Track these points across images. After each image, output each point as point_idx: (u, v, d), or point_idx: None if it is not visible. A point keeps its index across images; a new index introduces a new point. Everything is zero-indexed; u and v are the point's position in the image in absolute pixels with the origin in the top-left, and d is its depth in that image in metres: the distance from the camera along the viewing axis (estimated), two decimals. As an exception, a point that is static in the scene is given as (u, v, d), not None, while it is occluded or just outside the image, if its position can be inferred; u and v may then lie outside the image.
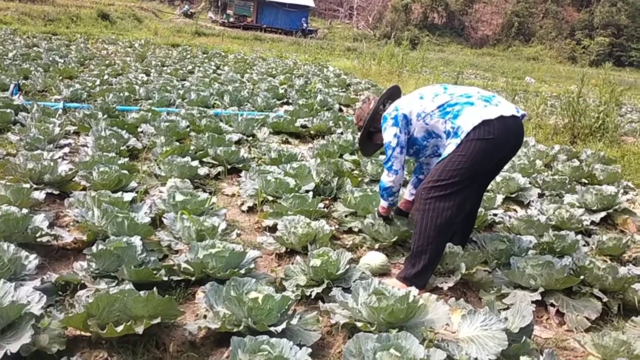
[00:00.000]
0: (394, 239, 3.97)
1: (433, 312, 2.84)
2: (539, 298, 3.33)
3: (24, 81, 9.12)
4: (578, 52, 54.12)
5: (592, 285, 3.45)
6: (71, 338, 2.54)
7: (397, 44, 19.80)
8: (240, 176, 5.22)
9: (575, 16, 60.66)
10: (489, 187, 5.24)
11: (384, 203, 3.98)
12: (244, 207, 4.63)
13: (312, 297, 3.15)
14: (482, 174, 3.46)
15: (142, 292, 2.50)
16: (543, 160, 6.95)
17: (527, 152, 7.17)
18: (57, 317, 2.49)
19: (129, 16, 35.13)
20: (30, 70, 10.02)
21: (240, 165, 5.59)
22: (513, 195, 5.39)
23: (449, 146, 3.36)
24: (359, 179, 5.38)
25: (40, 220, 3.46)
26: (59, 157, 4.95)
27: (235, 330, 2.60)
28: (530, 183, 5.70)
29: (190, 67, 14.32)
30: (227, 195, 4.99)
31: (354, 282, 3.11)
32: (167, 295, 2.59)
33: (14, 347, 2.19)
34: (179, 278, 3.18)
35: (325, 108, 9.47)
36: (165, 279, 3.08)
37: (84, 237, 3.55)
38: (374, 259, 3.67)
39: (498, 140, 3.28)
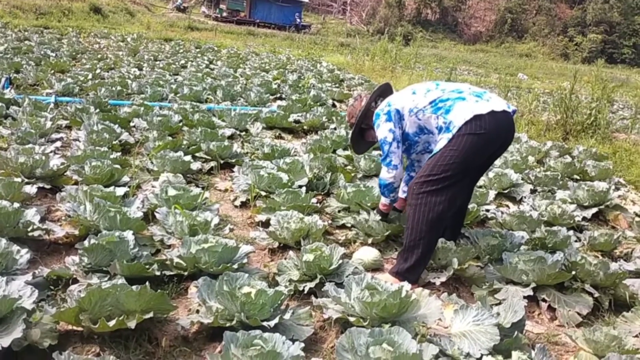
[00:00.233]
0: (387, 234, 3.97)
1: (425, 307, 2.85)
2: (531, 293, 3.35)
3: (15, 75, 9.05)
4: (571, 49, 54.23)
5: (584, 281, 3.47)
6: (63, 333, 2.54)
7: (391, 40, 19.77)
8: (233, 171, 5.20)
9: (568, 13, 60.79)
10: (482, 182, 5.28)
11: (385, 200, 3.98)
12: (237, 202, 4.62)
13: (305, 292, 3.16)
14: (474, 168, 3.47)
15: (134, 287, 2.49)
16: (535, 156, 6.98)
17: (520, 148, 7.19)
18: (48, 312, 2.48)
19: (121, 10, 34.89)
20: (21, 64, 9.94)
21: (233, 160, 5.58)
22: (505, 191, 5.41)
23: (441, 141, 3.37)
24: (352, 174, 5.38)
25: (31, 214, 3.44)
26: (51, 151, 4.93)
27: (228, 325, 2.60)
28: (522, 179, 5.72)
29: (183, 62, 14.25)
30: (220, 190, 4.97)
31: (346, 277, 3.11)
32: (159, 290, 2.58)
33: (5, 342, 2.18)
34: (172, 273, 3.17)
35: (318, 103, 9.45)
36: (158, 273, 3.08)
37: (76, 232, 3.54)
38: (367, 254, 3.68)
39: (489, 135, 3.29)
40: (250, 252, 3.43)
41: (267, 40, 31.14)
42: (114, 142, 5.51)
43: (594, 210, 5.06)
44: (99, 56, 13.28)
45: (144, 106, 7.25)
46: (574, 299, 3.38)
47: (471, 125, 3.26)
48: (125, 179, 4.60)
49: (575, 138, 8.71)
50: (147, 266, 3.01)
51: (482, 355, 2.50)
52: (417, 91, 3.61)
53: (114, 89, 8.37)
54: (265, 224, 4.11)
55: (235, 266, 3.17)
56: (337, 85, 12.85)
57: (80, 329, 2.53)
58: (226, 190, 4.95)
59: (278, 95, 10.66)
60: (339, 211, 4.54)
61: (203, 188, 4.63)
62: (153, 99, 8.37)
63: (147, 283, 2.54)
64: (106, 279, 2.95)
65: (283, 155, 5.54)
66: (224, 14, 44.66)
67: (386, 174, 3.73)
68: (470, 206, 4.27)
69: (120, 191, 4.03)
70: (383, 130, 3.64)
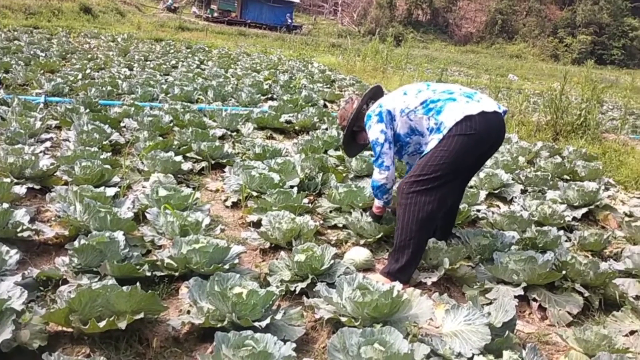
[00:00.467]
0: (379, 235, 3.97)
1: (417, 307, 2.85)
2: (522, 293, 3.36)
3: (4, 75, 8.99)
4: (560, 50, 54.49)
5: (574, 280, 3.49)
6: (53, 334, 2.52)
7: (382, 41, 19.79)
8: (224, 171, 5.19)
9: (557, 14, 61.09)
10: (473, 182, 5.29)
11: (378, 202, 3.97)
12: (228, 203, 4.61)
13: (297, 292, 3.15)
14: (464, 168, 3.48)
15: (125, 288, 2.48)
16: (526, 156, 7.01)
17: (510, 148, 7.22)
18: (38, 313, 2.47)
19: (111, 10, 34.73)
20: (10, 64, 9.87)
21: (224, 161, 5.56)
22: (496, 191, 5.43)
23: (432, 142, 3.38)
24: (344, 174, 5.38)
25: (21, 215, 3.42)
26: (41, 152, 4.90)
27: (219, 325, 2.59)
28: (513, 179, 5.75)
29: (173, 62, 14.20)
30: (211, 190, 4.96)
31: (338, 277, 3.10)
32: (150, 291, 2.57)
33: (-6, 343, 2.16)
34: (163, 273, 3.16)
35: (309, 104, 9.44)
36: (149, 274, 3.07)
37: (66, 232, 3.52)
38: (359, 254, 3.68)
39: (479, 136, 3.30)
40: (241, 252, 3.43)
41: (258, 41, 31.11)
42: (104, 143, 5.48)
43: (584, 210, 5.08)
44: (89, 56, 13.20)
45: (134, 106, 7.22)
46: (565, 298, 3.39)
47: (462, 126, 3.27)
48: (116, 179, 4.58)
49: (565, 138, 8.75)
50: (137, 267, 3.00)
51: (473, 354, 2.51)
52: (409, 92, 3.62)
53: (104, 89, 8.33)
54: (257, 225, 4.10)
55: (227, 267, 3.16)
56: (328, 85, 12.85)
57: (70, 330, 2.51)
58: (217, 190, 4.94)
59: (269, 95, 10.65)
60: (330, 211, 4.54)
61: (194, 188, 4.61)
62: (144, 99, 8.33)
63: (137, 284, 2.53)
64: (96, 279, 2.94)
65: (274, 156, 5.53)
66: (215, 14, 44.57)
67: (378, 175, 3.73)
68: (461, 206, 4.28)
69: (110, 191, 4.01)
70: (374, 131, 3.64)
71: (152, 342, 2.56)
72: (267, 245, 3.82)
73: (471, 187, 5.18)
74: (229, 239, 3.78)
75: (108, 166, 4.52)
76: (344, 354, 2.38)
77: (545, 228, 4.23)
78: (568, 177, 6.28)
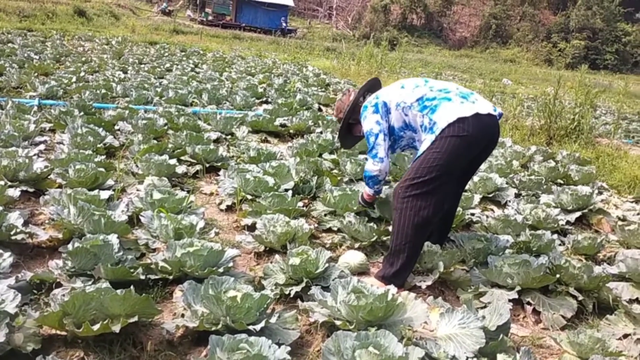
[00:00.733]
0: (373, 239, 3.98)
1: (412, 310, 2.85)
2: (516, 296, 3.36)
3: (-2, 77, 8.97)
4: (554, 54, 54.77)
5: (568, 284, 3.50)
6: (46, 337, 2.51)
7: (376, 45, 19.81)
8: (218, 175, 5.19)
9: (551, 19, 61.42)
10: (467, 186, 5.29)
11: (369, 191, 3.99)
12: (223, 206, 4.60)
13: (291, 295, 3.15)
14: (458, 170, 3.47)
15: (119, 291, 2.48)
16: (520, 160, 7.03)
17: (504, 152, 7.24)
18: (32, 316, 2.46)
19: (105, 13, 34.69)
20: (4, 67, 9.84)
21: (219, 164, 5.56)
22: (490, 195, 5.44)
23: (424, 142, 3.38)
24: (338, 178, 5.38)
25: (14, 217, 3.41)
26: (35, 155, 4.88)
27: (213, 329, 2.58)
28: (507, 183, 5.76)
29: (168, 65, 14.19)
30: (205, 193, 4.95)
31: (333, 280, 3.10)
32: (144, 294, 2.56)
33: (-13, 347, 2.15)
34: (157, 277, 3.14)
35: (304, 107, 9.45)
36: (143, 277, 3.05)
37: (60, 235, 3.51)
38: (353, 257, 3.68)
39: (472, 137, 3.29)
40: (236, 255, 3.42)
41: (253, 44, 31.11)
42: (99, 146, 5.47)
43: (578, 214, 5.10)
44: (83, 59, 13.18)
45: (128, 109, 7.21)
46: (559, 302, 3.40)
47: (454, 127, 3.27)
48: (110, 182, 4.57)
49: (559, 143, 8.78)
50: (131, 270, 2.99)
51: (467, 358, 2.51)
52: (406, 86, 3.62)
53: (98, 92, 8.31)
54: (251, 228, 4.10)
55: (221, 270, 3.16)
56: (323, 89, 12.86)
57: (64, 333, 2.50)
58: (212, 193, 4.93)
59: (264, 99, 10.65)
60: (325, 215, 4.54)
61: (188, 192, 4.61)
62: (138, 102, 8.32)
63: (131, 287, 2.52)
64: (90, 282, 2.93)
65: (269, 159, 5.53)
66: (210, 18, 44.59)
67: (372, 166, 3.73)
68: (455, 210, 4.29)
69: (104, 195, 4.00)
70: (370, 122, 3.64)
71: (147, 346, 2.55)
72: (262, 248, 3.82)
73: (465, 190, 5.17)
74: (223, 243, 3.78)
75: (102, 169, 4.51)
76: (339, 358, 2.37)
77: (539, 232, 4.25)
78: (562, 181, 6.31)
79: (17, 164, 4.25)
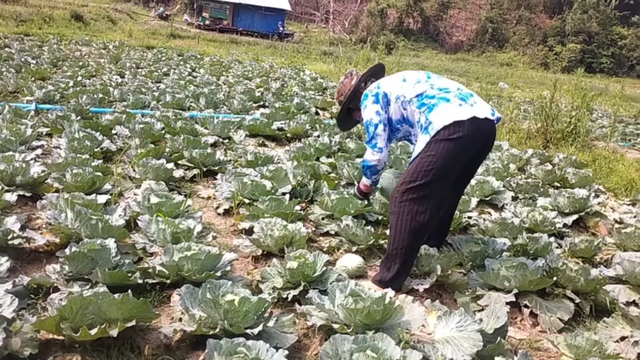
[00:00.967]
0: (371, 242, 3.98)
1: (409, 313, 2.86)
2: (513, 299, 3.37)
3: (-5, 82, 8.96)
4: (550, 58, 54.90)
5: (565, 287, 3.51)
6: (44, 341, 2.50)
7: (373, 49, 19.89)
8: (216, 179, 5.18)
9: (547, 23, 61.58)
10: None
11: (366, 181, 4.00)
12: (220, 210, 4.60)
13: (289, 299, 3.15)
14: (454, 174, 3.46)
15: (116, 295, 2.47)
16: (517, 164, 7.05)
17: (501, 156, 7.26)
18: (29, 321, 2.45)
19: (103, 18, 34.71)
20: (1, 71, 9.84)
21: (216, 168, 5.56)
22: (487, 199, 5.45)
23: (419, 143, 3.38)
24: (336, 181, 5.39)
25: (11, 222, 3.40)
26: (31, 159, 4.87)
27: (211, 332, 2.58)
28: (504, 186, 5.77)
29: (165, 70, 14.19)
30: (202, 197, 4.95)
31: (330, 284, 3.10)
32: (142, 298, 2.56)
33: (-16, 351, 2.15)
34: (154, 281, 3.14)
35: (301, 111, 9.46)
36: (140, 281, 3.05)
37: (57, 240, 3.50)
38: (351, 261, 3.68)
39: (466, 141, 3.29)
40: (233, 259, 3.42)
41: (250, 49, 31.12)
42: (96, 150, 5.46)
43: (575, 217, 5.11)
44: (81, 63, 13.17)
45: (126, 114, 7.20)
46: (556, 304, 3.41)
47: (449, 130, 3.25)
48: (107, 186, 4.57)
49: (556, 146, 8.81)
50: (129, 274, 2.99)
51: (465, 361, 2.51)
52: (408, 79, 3.61)
53: (95, 96, 8.30)
54: (249, 232, 4.10)
55: (219, 274, 3.16)
56: (320, 93, 12.87)
57: (61, 337, 2.50)
58: (209, 197, 4.93)
59: (261, 103, 10.65)
60: (322, 218, 4.55)
61: (186, 196, 4.60)
62: (135, 107, 8.32)
63: (129, 291, 2.52)
64: (88, 287, 2.93)
65: (266, 163, 5.54)
66: (207, 22, 44.63)
67: (371, 156, 3.73)
68: (452, 213, 4.29)
69: (102, 199, 4.00)
70: (369, 111, 3.64)
71: (144, 350, 2.55)
72: (259, 252, 3.82)
73: (462, 194, 5.19)
74: (220, 247, 3.78)
75: (99, 173, 4.50)
76: (337, 361, 2.38)
77: (536, 235, 4.26)
78: (558, 184, 6.32)
79: (14, 169, 4.25)
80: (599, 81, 35.37)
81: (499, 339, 2.64)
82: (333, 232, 4.29)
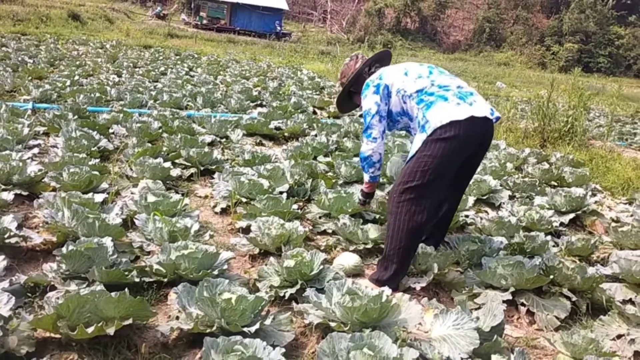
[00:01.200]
0: (368, 242, 3.98)
1: (406, 311, 2.86)
2: (510, 298, 3.37)
3: (-9, 81, 8.94)
4: (548, 58, 54.98)
5: (562, 285, 3.52)
6: (40, 340, 2.50)
7: (371, 48, 19.89)
8: (213, 178, 5.18)
9: (544, 23, 61.69)
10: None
11: (365, 177, 3.97)
12: (217, 209, 4.60)
13: (286, 297, 3.15)
14: (451, 173, 3.46)
15: (113, 294, 2.47)
16: (514, 163, 7.05)
17: (498, 155, 7.27)
18: (26, 319, 2.45)
19: (100, 17, 34.67)
20: (-2, 70, 9.83)
21: (214, 167, 5.55)
22: (484, 197, 5.45)
23: (415, 141, 3.39)
24: (333, 180, 5.38)
25: (8, 221, 3.39)
26: (28, 158, 4.86)
27: (208, 331, 2.59)
28: (501, 185, 5.78)
29: (162, 69, 14.17)
30: (200, 196, 4.95)
31: (327, 282, 3.11)
32: (139, 297, 2.56)
33: (-19, 350, 2.15)
34: (151, 279, 3.14)
35: (299, 110, 9.46)
36: (137, 280, 3.05)
37: (54, 239, 3.50)
38: (348, 260, 3.68)
39: (462, 141, 3.28)
40: (230, 258, 3.42)
41: (247, 48, 31.10)
42: (93, 149, 5.46)
43: (572, 215, 5.12)
44: (78, 63, 13.14)
45: (123, 113, 7.20)
46: (552, 303, 3.41)
47: (446, 129, 3.25)
48: (104, 185, 4.57)
49: (553, 145, 8.82)
50: (126, 273, 2.99)
51: (462, 359, 2.52)
52: (409, 73, 3.60)
53: (92, 95, 8.29)
54: (246, 230, 4.10)
55: (216, 272, 3.16)
56: (317, 92, 12.88)
57: (58, 336, 2.50)
58: (206, 196, 4.93)
59: (259, 102, 10.65)
60: (319, 217, 4.55)
61: (183, 194, 4.61)
62: (132, 106, 8.32)
63: (126, 290, 2.52)
64: (85, 285, 2.93)
65: (264, 162, 5.54)
66: (204, 22, 44.59)
67: (365, 146, 3.75)
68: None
69: (99, 198, 4.00)
70: (369, 101, 3.65)
71: (141, 348, 2.55)
72: (257, 251, 3.82)
73: (460, 193, 5.21)
74: (218, 245, 3.78)
75: (96, 172, 4.50)
76: (333, 359, 2.38)
77: (533, 233, 4.27)
78: (555, 183, 6.33)
79: (11, 168, 4.24)
80: (596, 81, 35.41)
81: (495, 337, 2.65)
82: (330, 231, 4.30)
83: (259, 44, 35.04)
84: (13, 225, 3.38)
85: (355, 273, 3.65)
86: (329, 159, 6.09)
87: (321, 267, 3.35)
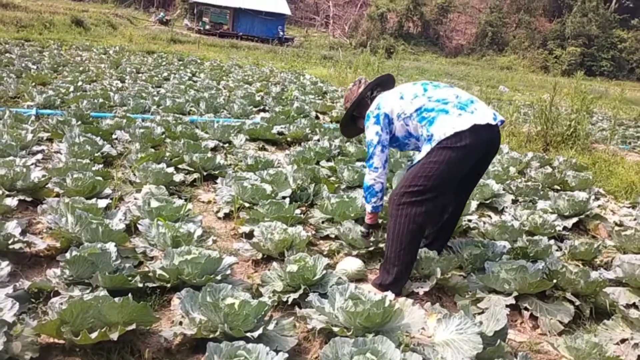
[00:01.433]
0: (371, 248, 3.98)
1: (409, 316, 2.86)
2: (513, 302, 3.37)
3: (-5, 87, 8.98)
4: (550, 61, 54.95)
5: (565, 289, 3.51)
6: (44, 345, 2.51)
7: (373, 53, 19.91)
8: (216, 183, 5.19)
9: (547, 26, 61.67)
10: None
11: (368, 208, 3.90)
12: (220, 214, 4.61)
13: (289, 302, 3.15)
14: (454, 180, 3.47)
15: (116, 299, 2.48)
16: (517, 167, 7.05)
17: (501, 159, 7.26)
18: (30, 325, 2.46)
19: (103, 23, 34.77)
20: (2, 77, 9.86)
21: (217, 172, 5.56)
22: (487, 202, 5.45)
23: (423, 150, 3.39)
24: (336, 185, 5.39)
25: (12, 227, 3.41)
26: (32, 164, 4.88)
27: (211, 336, 2.59)
28: (504, 189, 5.77)
29: (165, 74, 14.22)
30: (203, 202, 4.96)
31: (330, 287, 3.11)
32: (142, 302, 2.57)
33: (-15, 355, 2.15)
34: (155, 285, 3.15)
35: (301, 115, 9.47)
36: (140, 285, 3.06)
37: (58, 244, 3.51)
38: (351, 264, 3.68)
39: (468, 149, 3.29)
40: (233, 263, 3.42)
41: (250, 53, 31.17)
42: (96, 155, 5.47)
43: (575, 219, 5.11)
44: (81, 69, 13.18)
45: (126, 118, 7.22)
46: (556, 307, 3.41)
47: (451, 140, 3.26)
48: (108, 191, 4.58)
49: (556, 149, 8.81)
50: (129, 278, 2.99)
51: (465, 363, 2.52)
52: (405, 96, 3.61)
53: (96, 101, 8.31)
54: (249, 235, 4.10)
55: (219, 277, 3.16)
56: (320, 97, 12.90)
57: (61, 341, 2.51)
58: (209, 201, 4.94)
59: (261, 107, 10.68)
60: (322, 222, 4.55)
61: (186, 200, 4.61)
62: (135, 111, 8.34)
63: (129, 295, 2.53)
64: (88, 291, 2.94)
65: (266, 167, 5.55)
66: (207, 27, 44.68)
67: (367, 176, 3.75)
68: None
69: (102, 203, 4.01)
70: (370, 132, 3.66)
71: (144, 354, 2.55)
72: (260, 256, 3.82)
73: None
74: (221, 250, 3.78)
75: (100, 178, 4.51)
76: (337, 364, 2.38)
77: (536, 238, 4.26)
78: (558, 187, 6.33)
79: (15, 174, 4.26)
80: (598, 84, 35.42)
81: (498, 341, 2.64)
82: (333, 236, 4.30)
83: (262, 49, 35.12)
84: (17, 231, 3.39)
85: (358, 278, 3.65)
86: (331, 164, 6.10)
87: (324, 272, 3.35)
